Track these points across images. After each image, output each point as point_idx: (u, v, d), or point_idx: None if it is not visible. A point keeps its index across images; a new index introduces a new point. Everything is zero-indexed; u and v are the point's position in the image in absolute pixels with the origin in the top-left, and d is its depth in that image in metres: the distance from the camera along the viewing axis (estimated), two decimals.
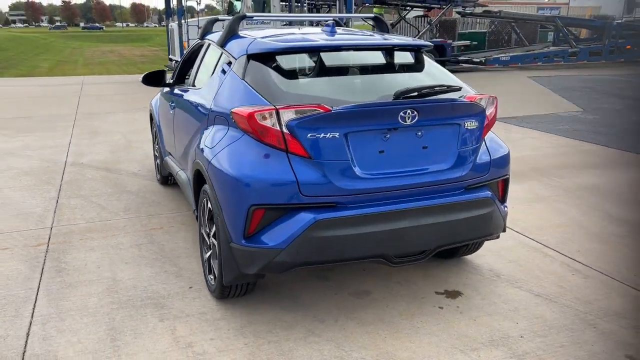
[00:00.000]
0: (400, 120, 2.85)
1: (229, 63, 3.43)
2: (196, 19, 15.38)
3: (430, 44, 3.56)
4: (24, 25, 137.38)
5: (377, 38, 3.57)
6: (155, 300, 3.38)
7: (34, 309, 3.28)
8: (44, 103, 12.13)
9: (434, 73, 3.44)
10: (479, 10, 19.13)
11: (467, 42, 19.71)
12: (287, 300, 3.40)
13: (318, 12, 19.19)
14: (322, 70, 3.27)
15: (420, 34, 18.71)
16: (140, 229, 4.57)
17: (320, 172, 2.80)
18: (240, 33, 3.70)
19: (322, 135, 2.77)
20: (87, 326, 3.10)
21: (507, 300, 3.41)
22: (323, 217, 2.78)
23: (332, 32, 3.56)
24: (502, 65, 18.62)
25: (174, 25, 16.28)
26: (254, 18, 4.12)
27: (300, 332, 3.06)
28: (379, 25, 4.18)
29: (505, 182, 3.38)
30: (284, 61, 3.22)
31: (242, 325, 3.12)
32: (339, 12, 16.01)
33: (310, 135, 2.76)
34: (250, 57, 3.23)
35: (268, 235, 2.85)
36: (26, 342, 2.95)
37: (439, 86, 3.16)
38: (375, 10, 19.57)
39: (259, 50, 3.22)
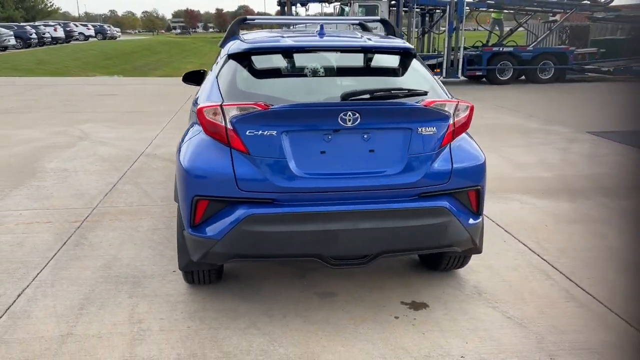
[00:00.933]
0: (340, 122, 2.83)
1: (217, 63, 3.63)
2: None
3: (411, 47, 3.44)
4: (182, 31, 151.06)
5: (353, 40, 3.53)
6: (136, 279, 3.68)
7: (37, 274, 3.74)
8: (159, 100, 13.33)
9: (409, 77, 3.33)
10: (611, 15, 17.41)
11: (594, 50, 18.05)
12: (251, 291, 3.51)
13: (431, 17, 18.82)
14: (288, 70, 3.33)
15: (537, 40, 17.52)
16: (166, 215, 4.94)
17: (257, 169, 2.87)
18: (241, 35, 3.88)
19: (260, 132, 2.85)
20: (68, 294, 3.47)
21: (471, 318, 3.20)
22: (255, 212, 2.85)
23: (321, 34, 3.60)
24: (636, 75, 16.78)
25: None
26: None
27: (245, 323, 3.16)
28: (386, 27, 4.11)
29: (478, 193, 3.17)
30: (255, 62, 3.32)
31: (195, 310, 3.29)
32: (449, 18, 15.59)
33: (249, 132, 2.85)
34: (229, 57, 3.39)
35: (210, 227, 2.98)
36: (14, 300, 3.38)
37: (396, 89, 3.06)
38: (493, 15, 18.72)
39: (234, 51, 3.36)
